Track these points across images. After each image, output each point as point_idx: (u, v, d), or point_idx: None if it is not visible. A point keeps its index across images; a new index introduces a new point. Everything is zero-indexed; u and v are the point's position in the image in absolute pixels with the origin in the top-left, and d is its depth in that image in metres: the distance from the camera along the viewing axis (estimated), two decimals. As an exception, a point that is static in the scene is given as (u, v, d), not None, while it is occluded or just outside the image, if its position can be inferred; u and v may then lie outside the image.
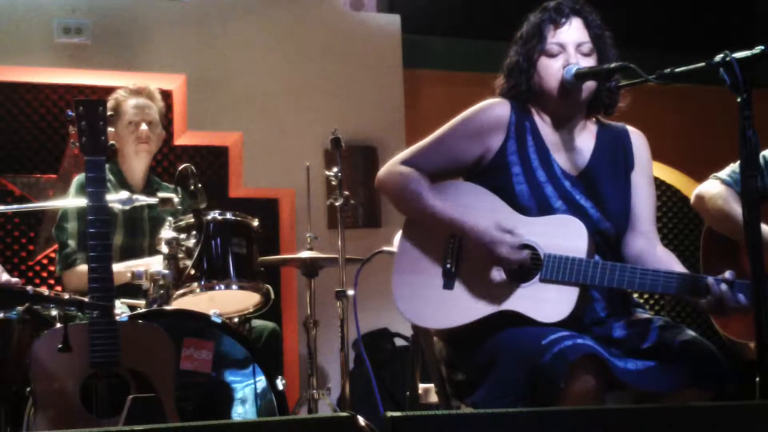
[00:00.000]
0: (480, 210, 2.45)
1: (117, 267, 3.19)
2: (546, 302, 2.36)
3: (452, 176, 2.57)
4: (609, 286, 2.35)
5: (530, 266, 2.39)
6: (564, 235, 2.39)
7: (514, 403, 2.22)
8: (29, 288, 2.42)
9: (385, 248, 3.47)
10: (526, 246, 2.41)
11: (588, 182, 2.52)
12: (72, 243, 3.67)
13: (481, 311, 2.40)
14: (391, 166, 2.57)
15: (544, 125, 2.56)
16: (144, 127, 3.82)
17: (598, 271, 2.34)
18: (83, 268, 3.57)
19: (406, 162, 2.55)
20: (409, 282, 2.49)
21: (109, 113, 2.73)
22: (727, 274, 2.29)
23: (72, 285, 3.62)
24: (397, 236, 2.61)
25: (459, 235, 2.45)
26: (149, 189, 3.86)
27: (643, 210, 2.57)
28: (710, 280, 2.28)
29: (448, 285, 2.46)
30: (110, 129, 2.68)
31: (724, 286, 2.26)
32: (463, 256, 2.46)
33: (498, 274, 2.40)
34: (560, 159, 2.53)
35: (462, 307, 2.43)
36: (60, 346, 2.47)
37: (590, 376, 2.19)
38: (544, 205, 2.46)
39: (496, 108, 2.55)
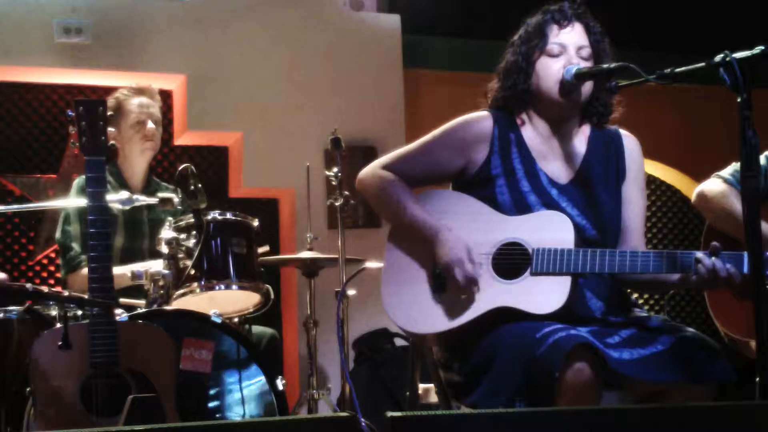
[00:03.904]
0: (462, 215, 2.46)
1: (117, 270, 3.20)
2: (539, 294, 2.36)
3: (433, 184, 2.59)
4: (600, 271, 2.36)
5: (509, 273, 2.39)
6: (550, 230, 2.40)
7: (512, 401, 2.23)
8: (29, 285, 2.42)
9: (368, 264, 3.51)
10: (513, 244, 2.41)
11: (579, 189, 2.52)
12: (76, 246, 3.67)
13: (475, 311, 2.40)
14: (373, 169, 2.58)
15: (532, 134, 2.56)
16: (150, 125, 3.82)
17: (588, 258, 2.35)
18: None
19: (387, 166, 2.56)
20: (399, 291, 2.49)
21: (110, 113, 2.73)
22: (714, 244, 2.31)
23: (77, 288, 3.61)
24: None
25: (429, 246, 2.45)
26: (148, 189, 3.86)
27: (634, 224, 2.58)
28: (700, 253, 2.31)
29: (438, 289, 2.46)
30: (110, 129, 2.68)
31: (714, 258, 2.28)
32: None
33: (488, 274, 2.40)
34: (548, 167, 2.53)
35: (454, 310, 2.42)
36: (60, 343, 2.47)
37: (586, 365, 2.19)
38: (526, 213, 2.46)
39: (478, 122, 2.55)
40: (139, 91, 3.87)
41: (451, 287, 2.44)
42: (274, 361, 4.01)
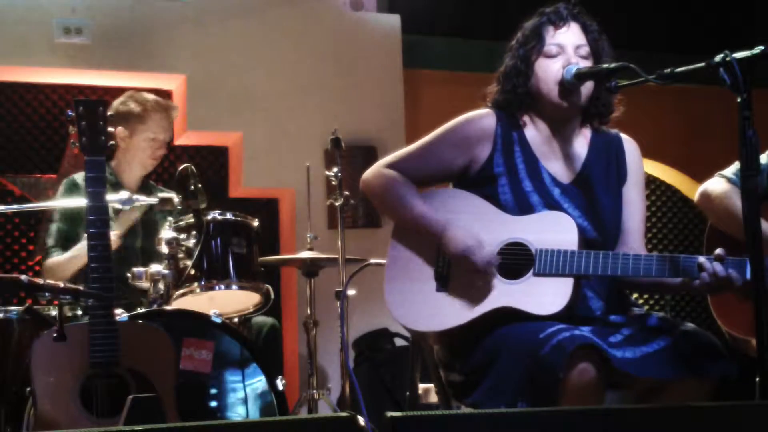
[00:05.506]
0: (467, 214, 2.46)
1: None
2: (541, 295, 2.36)
3: (438, 183, 2.59)
4: (603, 274, 2.36)
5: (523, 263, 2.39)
6: (554, 231, 2.40)
7: (514, 401, 2.23)
8: (23, 277, 2.40)
9: (373, 260, 3.50)
10: (516, 244, 2.41)
11: (580, 190, 2.52)
12: (50, 241, 3.73)
13: (477, 310, 2.40)
14: (376, 168, 2.58)
15: (535, 133, 2.55)
16: (162, 150, 3.91)
17: (591, 260, 2.35)
18: (54, 258, 3.64)
19: (391, 165, 2.56)
20: (402, 288, 2.49)
21: (110, 113, 2.72)
22: (719, 251, 2.31)
23: (50, 278, 3.61)
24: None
25: (437, 241, 2.45)
26: (143, 191, 3.86)
27: (634, 225, 2.58)
28: (702, 258, 2.31)
29: (441, 288, 2.46)
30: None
31: (717, 264, 2.29)
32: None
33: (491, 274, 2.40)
34: (551, 167, 2.54)
35: (457, 308, 2.43)
36: (54, 335, 2.46)
37: (589, 365, 2.19)
38: (529, 213, 2.46)
39: (482, 119, 2.55)
40: (166, 108, 3.92)
41: (454, 286, 2.44)
42: (274, 352, 4.00)
